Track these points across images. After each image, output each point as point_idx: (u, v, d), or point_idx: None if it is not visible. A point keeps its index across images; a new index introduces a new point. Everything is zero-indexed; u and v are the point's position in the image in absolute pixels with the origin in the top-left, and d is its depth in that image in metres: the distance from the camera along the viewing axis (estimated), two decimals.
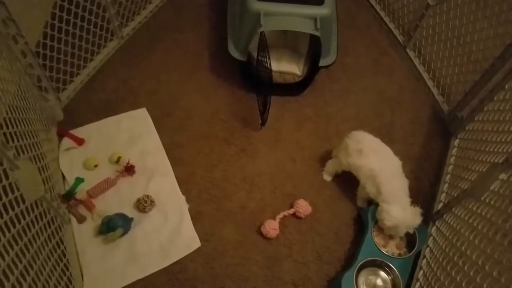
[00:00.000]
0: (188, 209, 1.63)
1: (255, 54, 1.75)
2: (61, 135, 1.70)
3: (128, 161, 1.66)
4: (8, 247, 0.95)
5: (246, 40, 1.70)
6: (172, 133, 1.81)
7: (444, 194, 1.74)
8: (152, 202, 1.60)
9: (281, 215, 1.63)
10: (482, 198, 1.39)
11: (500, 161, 1.38)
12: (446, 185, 1.76)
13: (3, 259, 0.87)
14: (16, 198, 1.13)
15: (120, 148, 1.71)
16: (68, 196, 1.56)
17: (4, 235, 0.93)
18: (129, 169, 1.66)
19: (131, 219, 1.56)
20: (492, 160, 1.46)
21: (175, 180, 1.68)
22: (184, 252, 1.55)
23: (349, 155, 1.62)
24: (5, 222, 1.03)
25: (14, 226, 1.07)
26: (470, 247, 1.32)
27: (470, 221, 1.41)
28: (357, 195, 1.71)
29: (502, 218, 1.20)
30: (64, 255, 1.42)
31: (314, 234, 1.64)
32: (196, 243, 1.57)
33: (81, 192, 1.58)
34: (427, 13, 1.93)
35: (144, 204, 1.59)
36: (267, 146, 1.83)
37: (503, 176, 1.32)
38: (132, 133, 1.77)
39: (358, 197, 1.70)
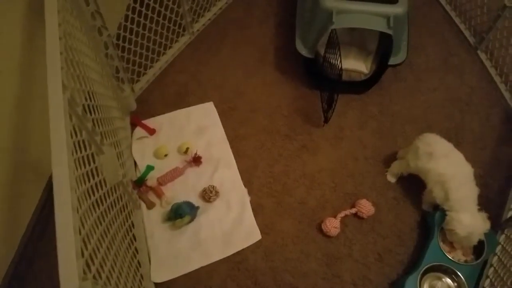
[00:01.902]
0: (250, 202, 1.58)
1: (322, 51, 1.66)
2: (134, 124, 1.71)
3: (196, 152, 1.64)
4: (94, 228, 0.94)
5: (316, 37, 1.61)
6: (236, 126, 1.76)
7: None
8: (216, 192, 1.57)
9: (342, 214, 1.54)
10: None
11: None
12: None
13: (89, 241, 0.87)
14: (100, 181, 1.13)
15: (188, 139, 1.69)
16: (139, 182, 1.55)
17: (90, 218, 0.93)
18: (197, 160, 1.63)
19: (198, 208, 1.53)
20: None
21: (238, 172, 1.63)
22: (246, 243, 1.49)
23: (419, 157, 1.49)
24: (92, 204, 1.03)
25: (98, 208, 1.07)
26: None
27: None
28: (422, 198, 1.58)
29: None
30: (135, 239, 1.42)
31: (376, 235, 1.54)
32: (257, 235, 1.51)
33: (151, 179, 1.57)
34: (503, 15, 1.75)
35: (209, 194, 1.55)
36: (328, 143, 1.73)
37: None
38: (200, 125, 1.74)
39: (423, 201, 1.57)
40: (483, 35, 1.89)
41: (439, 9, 2.11)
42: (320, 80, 1.78)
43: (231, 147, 1.70)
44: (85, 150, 1.05)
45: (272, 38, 2.01)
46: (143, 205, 1.54)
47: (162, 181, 1.59)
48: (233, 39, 2.00)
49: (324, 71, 1.68)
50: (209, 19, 2.04)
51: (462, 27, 2.02)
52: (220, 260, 1.46)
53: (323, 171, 1.67)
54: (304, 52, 1.71)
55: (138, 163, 1.63)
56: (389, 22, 1.51)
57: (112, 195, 1.22)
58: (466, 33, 2.00)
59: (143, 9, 1.64)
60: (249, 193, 1.60)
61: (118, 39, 1.59)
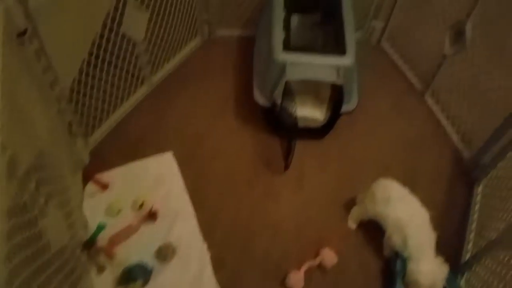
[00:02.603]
0: (210, 256, 1.48)
1: (279, 100, 1.69)
2: (87, 179, 1.62)
3: (152, 207, 1.55)
4: None
5: (272, 87, 1.63)
6: (196, 176, 1.70)
7: (471, 244, 1.58)
8: (173, 250, 1.46)
9: (306, 266, 1.48)
10: None
11: None
12: (473, 234, 1.60)
13: None
14: (43, 246, 1.04)
15: (144, 193, 1.59)
16: (90, 243, 1.42)
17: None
18: (152, 215, 1.53)
19: (151, 270, 1.41)
20: None
21: (197, 227, 1.55)
22: None
23: (376, 203, 1.48)
24: (33, 272, 0.94)
25: (40, 275, 0.98)
26: None
27: (503, 273, 1.28)
28: (383, 244, 1.58)
29: None
30: None
31: (341, 285, 1.49)
32: None
33: (103, 239, 1.45)
34: (445, 62, 1.87)
35: (165, 252, 1.45)
36: (290, 190, 1.70)
37: None
38: (157, 177, 1.65)
39: (384, 247, 1.55)
40: (429, 81, 1.99)
41: (387, 58, 2.21)
42: (278, 128, 1.79)
43: (191, 198, 1.63)
44: (26, 213, 0.97)
45: (231, 88, 2.02)
46: (93, 271, 1.43)
47: (114, 240, 1.46)
48: (192, 90, 2.00)
49: (281, 119, 1.69)
50: (169, 71, 2.04)
51: (408, 74, 2.12)
52: None
53: (286, 219, 1.63)
54: (261, 101, 1.72)
55: (89, 221, 1.51)
56: (338, 73, 1.56)
57: (57, 261, 1.12)
58: (413, 80, 2.10)
59: (99, 62, 1.60)
60: (210, 246, 1.51)
61: (72, 92, 1.53)
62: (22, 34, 1.12)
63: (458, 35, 1.73)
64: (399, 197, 1.48)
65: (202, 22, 2.10)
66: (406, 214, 1.44)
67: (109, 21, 1.55)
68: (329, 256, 1.51)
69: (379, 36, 2.23)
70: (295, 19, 1.89)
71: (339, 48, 1.62)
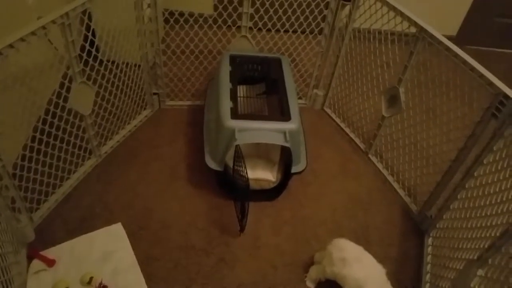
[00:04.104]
0: None
1: (231, 164, 1.84)
2: (31, 256, 1.62)
3: (101, 282, 1.58)
4: None
5: (223, 152, 1.80)
6: (147, 247, 1.76)
7: None
8: None
9: None
10: None
11: (475, 257, 1.43)
12: (428, 285, 1.76)
13: None
14: None
15: (93, 267, 1.63)
16: None
17: None
18: None
19: None
20: (467, 257, 1.50)
21: None
22: None
23: (333, 264, 1.61)
24: None
25: None
26: None
27: None
28: None
29: None
30: None
31: None
32: None
33: None
34: (383, 124, 2.15)
35: None
36: (247, 253, 1.81)
37: (480, 272, 1.36)
38: (106, 250, 1.70)
39: None
40: (371, 142, 2.25)
41: (331, 122, 2.51)
42: (231, 191, 1.93)
43: (142, 271, 1.67)
44: None
45: (182, 154, 2.17)
46: None
47: None
48: (142, 158, 2.12)
49: (234, 182, 1.84)
50: (118, 141, 2.16)
51: (352, 135, 2.40)
52: None
53: (242, 284, 1.70)
54: (213, 165, 1.87)
55: None
56: (286, 137, 1.77)
57: None
58: (357, 140, 2.37)
59: (45, 137, 1.70)
60: None
61: (15, 168, 1.60)
62: None
63: (393, 98, 2.03)
64: (355, 257, 1.61)
65: (152, 95, 2.29)
66: (363, 274, 1.56)
67: (54, 97, 1.68)
68: None
69: (322, 102, 2.54)
70: (241, 90, 2.15)
71: (284, 114, 1.88)
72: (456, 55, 1.61)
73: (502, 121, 1.45)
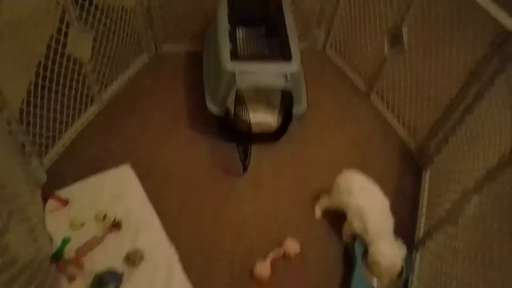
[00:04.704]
0: (178, 259, 1.69)
1: (232, 108, 1.94)
2: (45, 197, 1.77)
3: (115, 218, 1.74)
4: None
5: (224, 96, 1.90)
6: (156, 187, 1.91)
7: (423, 224, 1.89)
8: (141, 255, 1.67)
9: (271, 256, 1.73)
10: (459, 222, 1.55)
11: (471, 187, 1.56)
12: (424, 216, 1.92)
13: None
14: (9, 260, 1.17)
15: (106, 206, 1.79)
16: (57, 257, 1.60)
17: None
18: (116, 225, 1.73)
19: (122, 275, 1.60)
20: (462, 188, 1.61)
21: (163, 232, 1.76)
22: None
23: (340, 193, 1.78)
24: (2, 283, 1.06)
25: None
26: (454, 268, 1.44)
27: (451, 244, 1.55)
28: (342, 230, 1.83)
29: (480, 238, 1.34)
30: None
31: (305, 272, 1.74)
32: None
33: (69, 252, 1.63)
34: (386, 64, 2.22)
35: (133, 258, 1.64)
36: (250, 192, 1.97)
37: (475, 199, 1.49)
38: (117, 189, 1.86)
39: (344, 233, 1.83)
40: (372, 83, 2.33)
41: (332, 64, 2.59)
42: (233, 135, 2.05)
43: (154, 207, 1.83)
44: None
45: (183, 100, 2.28)
46: (64, 280, 1.56)
47: (81, 252, 1.65)
48: (144, 105, 2.23)
49: (236, 126, 1.96)
50: (118, 88, 2.24)
51: (353, 77, 2.49)
52: None
53: (248, 218, 1.88)
54: (215, 110, 1.98)
55: (53, 237, 1.67)
56: (286, 79, 1.85)
57: (26, 274, 1.25)
58: (358, 82, 2.46)
59: (47, 83, 1.80)
60: (177, 249, 1.73)
61: (22, 114, 1.70)
62: None
63: (395, 38, 2.10)
64: (361, 187, 1.77)
65: (148, 39, 2.35)
66: (367, 202, 1.73)
67: (53, 43, 1.76)
68: (292, 246, 1.76)
69: (323, 44, 2.60)
70: (240, 32, 2.22)
71: (285, 56, 1.94)
72: None
73: (505, 57, 1.53)
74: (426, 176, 2.06)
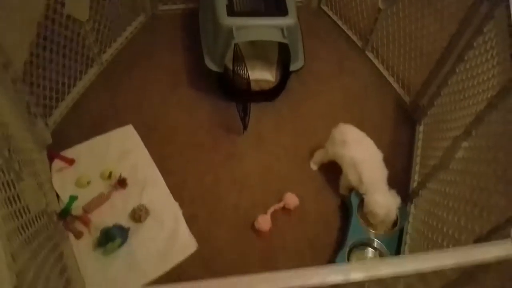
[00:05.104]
0: (183, 214, 1.71)
1: (230, 66, 1.90)
2: (51, 157, 1.77)
3: (120, 175, 1.74)
4: (17, 254, 1.00)
5: (222, 52, 1.85)
6: (158, 147, 1.90)
7: (417, 174, 1.90)
8: (147, 211, 1.68)
9: (271, 209, 1.74)
10: (450, 167, 1.56)
11: (460, 133, 1.57)
12: (418, 166, 1.92)
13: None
14: (22, 208, 1.19)
15: (111, 164, 1.79)
16: (64, 214, 1.61)
17: (14, 240, 0.99)
18: (122, 183, 1.73)
19: (128, 229, 1.62)
20: (454, 135, 1.64)
21: (167, 188, 1.77)
22: (183, 255, 1.62)
23: (335, 145, 1.77)
24: (14, 228, 1.09)
25: (21, 234, 1.12)
26: (445, 212, 1.46)
27: (443, 189, 1.56)
28: (339, 183, 1.84)
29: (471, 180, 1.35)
30: (66, 269, 1.46)
31: (304, 223, 1.76)
32: (193, 246, 1.64)
33: (76, 209, 1.64)
34: (380, 17, 2.16)
35: (139, 213, 1.66)
36: (252, 148, 1.96)
37: (465, 144, 1.50)
38: (121, 149, 1.85)
39: (340, 186, 1.84)
40: (368, 37, 2.28)
41: (327, 19, 2.51)
42: (232, 92, 2.02)
43: (157, 167, 1.83)
44: (4, 176, 1.12)
45: (182, 60, 2.22)
46: (71, 236, 1.59)
47: (87, 208, 1.66)
48: (143, 67, 2.18)
49: (235, 83, 1.92)
50: (117, 49, 2.19)
51: (349, 32, 2.42)
52: (160, 276, 1.56)
53: (250, 174, 1.88)
54: (213, 67, 1.94)
55: (60, 195, 1.69)
56: (283, 33, 1.80)
57: (36, 223, 1.28)
58: (354, 38, 2.40)
59: (48, 44, 1.75)
60: (181, 206, 1.74)
61: (25, 74, 1.66)
62: None
63: None
64: (355, 139, 1.76)
65: None
66: (361, 154, 1.72)
67: (51, 2, 1.70)
68: (291, 199, 1.77)
69: (318, 0, 2.49)
70: None
71: (281, 11, 1.88)
72: None
73: (493, 2, 1.48)
74: (420, 129, 2.05)
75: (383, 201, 1.66)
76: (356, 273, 0.76)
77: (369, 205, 1.67)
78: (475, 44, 1.61)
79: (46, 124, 1.81)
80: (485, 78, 1.46)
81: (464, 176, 1.42)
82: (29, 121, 1.66)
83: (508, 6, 1.34)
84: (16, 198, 1.17)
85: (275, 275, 0.75)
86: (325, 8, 2.53)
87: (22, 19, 1.60)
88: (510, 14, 1.32)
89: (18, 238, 1.04)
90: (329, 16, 2.50)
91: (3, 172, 1.13)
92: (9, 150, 1.23)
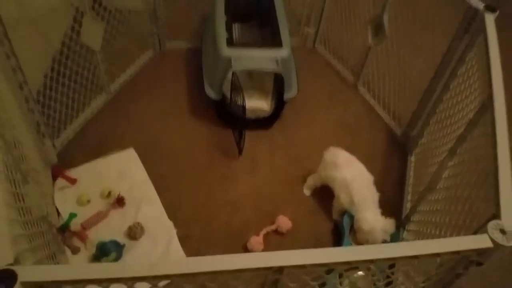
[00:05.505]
0: (176, 233, 1.69)
1: (228, 94, 1.97)
2: (55, 176, 1.79)
3: (119, 194, 1.75)
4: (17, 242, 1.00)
5: (220, 80, 1.91)
6: (157, 167, 1.91)
7: (409, 203, 1.88)
8: (142, 228, 1.67)
9: (264, 231, 1.71)
10: (437, 187, 1.56)
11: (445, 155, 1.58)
12: (410, 195, 1.92)
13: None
14: (26, 208, 1.19)
15: (110, 184, 1.79)
16: (63, 229, 1.60)
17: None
18: (120, 201, 1.73)
19: (123, 245, 1.60)
20: (441, 159, 1.63)
21: (162, 208, 1.76)
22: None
23: (326, 167, 1.77)
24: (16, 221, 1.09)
25: (22, 229, 1.12)
26: (434, 227, 1.44)
27: (431, 208, 1.56)
28: (332, 208, 1.83)
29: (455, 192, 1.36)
30: None
31: (297, 246, 1.72)
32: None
33: (74, 226, 1.63)
34: (370, 54, 2.23)
35: (135, 231, 1.65)
36: (245, 172, 1.96)
37: (450, 163, 1.51)
38: (121, 170, 1.86)
39: (333, 209, 1.82)
40: (359, 73, 2.36)
41: (322, 59, 2.58)
42: (229, 119, 2.07)
43: (154, 186, 1.84)
44: (11, 173, 1.15)
45: (184, 90, 2.29)
46: (68, 251, 1.58)
47: (86, 225, 1.65)
48: (148, 95, 2.24)
49: (232, 111, 1.97)
50: (125, 80, 2.28)
51: (341, 69, 2.49)
52: None
53: (243, 196, 1.88)
54: (212, 95, 2.00)
55: (61, 211, 1.68)
56: (278, 63, 1.88)
57: (37, 226, 1.27)
58: (346, 73, 2.46)
59: (62, 69, 1.83)
60: (175, 225, 1.72)
61: (39, 95, 1.73)
62: None
63: (378, 27, 2.11)
64: (346, 161, 1.77)
65: (153, 35, 2.39)
66: (352, 175, 1.72)
67: (69, 31, 1.81)
68: (284, 222, 1.75)
69: (313, 40, 2.61)
70: (235, 24, 2.25)
71: (276, 43, 1.97)
72: None
73: (474, 32, 1.55)
74: (412, 159, 2.05)
75: (370, 217, 1.63)
76: None
77: (357, 222, 1.65)
78: (458, 73, 1.66)
79: (53, 145, 1.86)
80: (468, 102, 1.49)
81: (450, 191, 1.42)
82: (38, 139, 1.71)
83: (486, 35, 1.42)
84: (21, 198, 1.17)
85: None
86: (319, 47, 2.62)
87: (42, 41, 1.71)
88: (487, 42, 1.39)
89: (19, 230, 1.04)
90: (323, 55, 2.59)
91: (11, 170, 1.15)
92: (15, 155, 1.27)
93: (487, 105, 1.23)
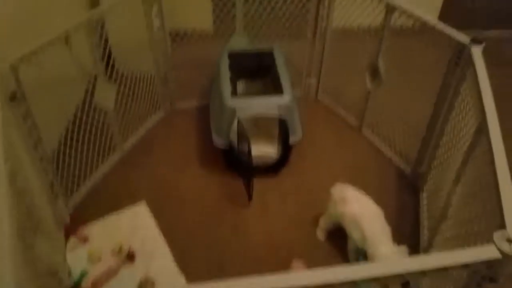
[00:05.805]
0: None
1: (235, 144, 2.00)
2: (67, 234, 1.78)
3: (129, 248, 1.72)
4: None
5: (227, 130, 1.95)
6: (168, 220, 1.89)
7: (426, 238, 1.79)
8: (152, 284, 1.61)
9: None
10: (448, 215, 1.50)
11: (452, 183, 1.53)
12: (425, 229, 1.83)
13: None
14: (33, 258, 1.19)
15: (122, 239, 1.77)
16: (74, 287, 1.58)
17: None
18: (131, 257, 1.70)
19: None
20: (449, 187, 1.57)
21: (173, 261, 1.71)
22: None
23: (335, 204, 1.72)
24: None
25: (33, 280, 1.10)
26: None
27: (444, 236, 1.50)
28: (348, 252, 1.74)
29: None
30: None
31: None
32: None
33: (86, 283, 1.60)
34: (370, 98, 2.27)
35: (145, 286, 1.60)
36: (257, 219, 1.91)
37: (458, 189, 1.46)
38: (132, 224, 1.84)
39: (349, 253, 1.73)
40: (361, 117, 2.37)
41: (325, 107, 2.61)
42: (238, 168, 2.07)
43: (165, 239, 1.80)
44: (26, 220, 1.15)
45: (194, 143, 2.33)
46: None
47: (97, 282, 1.60)
48: (159, 151, 2.28)
49: (239, 159, 1.99)
50: (137, 139, 2.34)
51: (345, 115, 2.50)
52: None
53: (256, 244, 1.82)
54: (220, 144, 2.02)
55: (72, 269, 1.65)
56: (280, 108, 1.92)
57: (45, 278, 1.25)
58: (349, 118, 2.48)
59: (76, 129, 1.91)
60: (186, 279, 1.65)
61: (53, 153, 1.79)
62: (13, 98, 1.43)
63: (374, 72, 2.16)
64: (354, 196, 1.72)
65: (163, 97, 2.49)
66: (361, 209, 1.66)
67: (84, 94, 1.91)
68: (298, 267, 1.66)
69: (315, 90, 2.67)
70: (240, 82, 2.36)
71: (277, 91, 2.03)
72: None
73: (464, 64, 1.58)
74: (424, 196, 1.99)
75: (385, 251, 1.54)
76: None
77: (371, 258, 1.56)
78: (455, 104, 1.68)
79: (67, 205, 1.87)
80: (467, 129, 1.49)
81: (459, 215, 1.37)
82: (51, 200, 1.74)
83: (474, 67, 1.46)
84: (30, 247, 1.17)
85: None
86: (321, 97, 2.66)
87: (59, 104, 1.79)
88: (476, 73, 1.42)
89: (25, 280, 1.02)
90: (326, 104, 2.63)
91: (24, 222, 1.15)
92: (27, 206, 1.28)
93: (481, 127, 1.23)
